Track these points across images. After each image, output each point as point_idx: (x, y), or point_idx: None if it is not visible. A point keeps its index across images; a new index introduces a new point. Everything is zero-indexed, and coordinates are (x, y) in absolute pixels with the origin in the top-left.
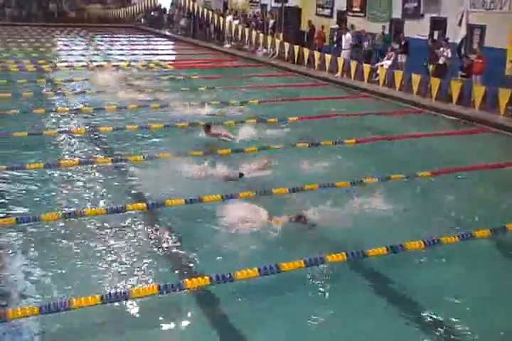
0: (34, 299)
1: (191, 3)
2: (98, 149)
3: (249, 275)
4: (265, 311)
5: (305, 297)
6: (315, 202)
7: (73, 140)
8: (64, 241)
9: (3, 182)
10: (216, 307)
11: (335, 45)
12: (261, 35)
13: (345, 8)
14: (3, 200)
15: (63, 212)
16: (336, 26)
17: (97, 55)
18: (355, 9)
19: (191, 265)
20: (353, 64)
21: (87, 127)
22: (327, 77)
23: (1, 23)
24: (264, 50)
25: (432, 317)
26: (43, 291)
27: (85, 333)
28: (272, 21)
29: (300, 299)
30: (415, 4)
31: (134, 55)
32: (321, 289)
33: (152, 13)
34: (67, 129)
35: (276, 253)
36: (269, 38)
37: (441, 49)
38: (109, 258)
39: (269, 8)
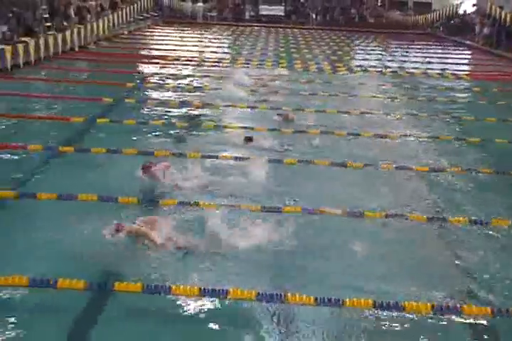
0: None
1: (498, 10)
2: None
3: None
4: None
5: None
6: None
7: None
8: None
9: None
10: None
11: None
12: None
13: None
14: None
15: None
16: None
17: (392, 60)
18: None
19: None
20: None
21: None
22: None
23: (307, 28)
24: None
25: None
26: None
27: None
28: None
29: None
30: None
31: (430, 62)
32: None
33: (452, 21)
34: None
35: None
36: None
37: None
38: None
39: None
